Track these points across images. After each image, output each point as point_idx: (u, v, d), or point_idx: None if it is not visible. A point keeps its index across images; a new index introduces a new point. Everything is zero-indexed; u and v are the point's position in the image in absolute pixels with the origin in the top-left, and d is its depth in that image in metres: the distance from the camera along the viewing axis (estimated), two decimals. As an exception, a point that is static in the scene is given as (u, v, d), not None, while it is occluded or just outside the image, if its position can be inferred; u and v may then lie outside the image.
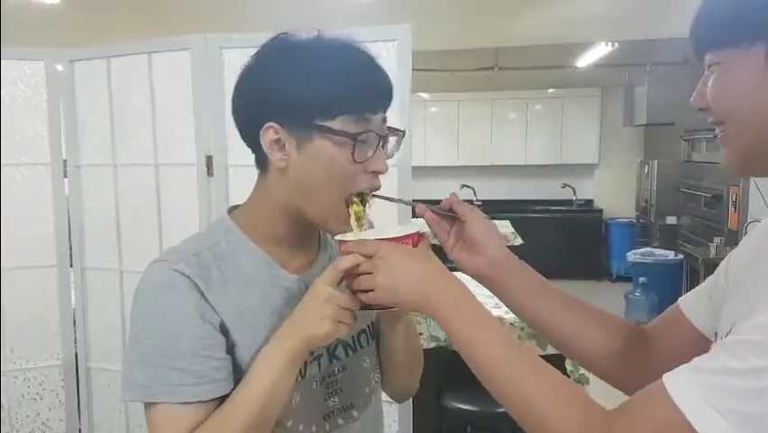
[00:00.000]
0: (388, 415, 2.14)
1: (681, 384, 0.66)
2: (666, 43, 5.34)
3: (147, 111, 2.17)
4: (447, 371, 2.53)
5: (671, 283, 5.46)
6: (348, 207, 0.87)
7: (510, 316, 2.76)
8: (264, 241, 0.92)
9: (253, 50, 0.89)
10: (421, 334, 2.56)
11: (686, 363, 0.68)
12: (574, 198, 8.01)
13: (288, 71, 0.84)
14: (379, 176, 0.89)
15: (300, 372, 0.88)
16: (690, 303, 0.94)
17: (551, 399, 0.73)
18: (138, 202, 2.23)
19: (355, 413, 0.98)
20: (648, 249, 6.10)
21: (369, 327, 1.02)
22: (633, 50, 6.20)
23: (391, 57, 1.90)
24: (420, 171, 5.73)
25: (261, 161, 0.90)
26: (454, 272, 0.86)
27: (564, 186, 7.98)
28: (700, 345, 0.84)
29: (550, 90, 7.80)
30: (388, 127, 0.90)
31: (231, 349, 0.86)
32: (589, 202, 8.07)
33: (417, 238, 0.86)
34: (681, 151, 6.23)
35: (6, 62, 2.26)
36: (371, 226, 1.02)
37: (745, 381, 0.62)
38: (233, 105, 0.90)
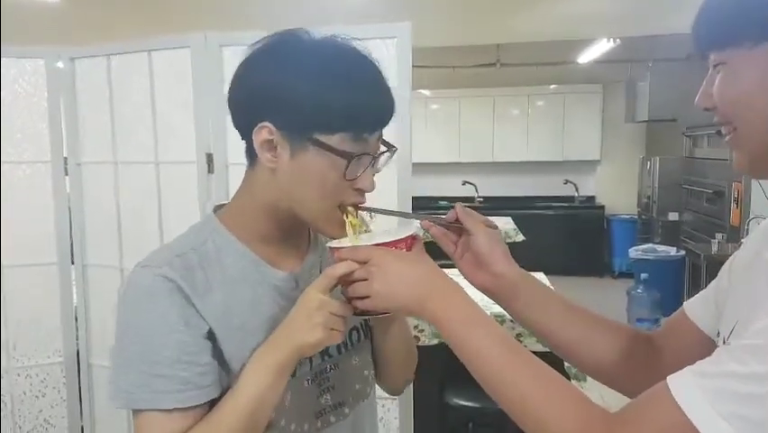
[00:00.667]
0: (390, 411, 2.14)
1: (685, 387, 0.65)
2: (668, 39, 5.33)
3: (147, 108, 2.16)
4: (449, 367, 2.53)
5: (672, 280, 5.46)
6: (342, 212, 0.86)
7: (511, 312, 2.76)
8: (252, 239, 0.91)
9: (254, 49, 0.87)
10: (422, 331, 2.57)
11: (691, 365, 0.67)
12: (576, 194, 8.00)
13: (294, 74, 0.81)
14: (382, 166, 0.89)
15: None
16: (695, 307, 0.93)
17: (550, 400, 0.73)
18: (138, 199, 2.23)
19: (347, 410, 0.98)
20: (650, 245, 6.10)
21: (361, 324, 1.02)
22: (635, 47, 6.19)
23: (391, 54, 1.90)
24: (421, 168, 5.74)
25: (252, 154, 0.87)
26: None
27: (566, 182, 7.97)
28: (707, 347, 0.83)
29: (551, 86, 7.78)
30: (383, 141, 0.88)
31: (219, 353, 0.85)
32: (591, 198, 8.06)
33: (411, 241, 0.85)
34: (683, 147, 6.22)
35: (7, 60, 2.26)
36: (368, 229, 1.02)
37: (746, 385, 0.62)
38: (231, 90, 0.87)
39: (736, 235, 4.75)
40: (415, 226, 0.93)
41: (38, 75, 2.30)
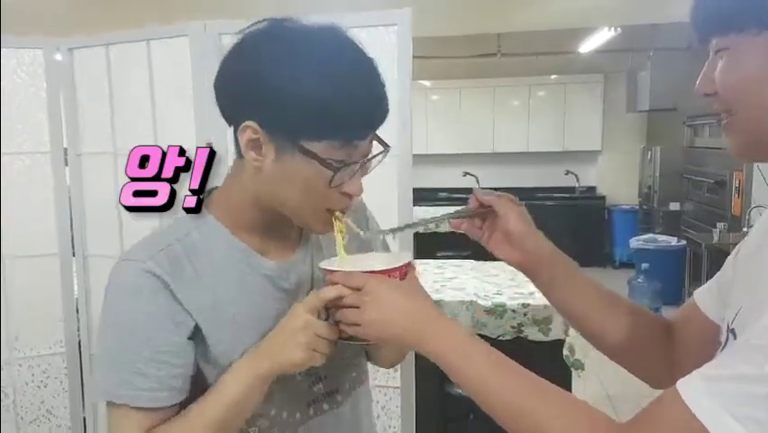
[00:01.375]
0: (392, 400, 2.14)
1: (696, 391, 0.65)
2: (669, 28, 5.31)
3: (146, 98, 2.15)
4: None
5: (674, 269, 5.46)
6: (330, 215, 0.85)
7: (513, 303, 2.76)
8: (240, 229, 0.88)
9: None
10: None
11: (708, 355, 0.67)
12: (577, 184, 7.99)
13: (283, 73, 0.77)
14: (372, 169, 0.87)
15: None
16: (704, 296, 0.93)
17: (555, 417, 0.73)
18: (139, 190, 2.22)
19: (339, 397, 0.97)
20: (651, 235, 6.10)
21: None
22: (636, 36, 6.17)
23: (391, 43, 1.88)
24: (421, 159, 5.73)
25: (239, 145, 0.84)
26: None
27: (567, 173, 7.95)
28: (716, 335, 0.83)
29: (552, 77, 7.75)
30: (377, 139, 0.85)
31: (204, 350, 0.84)
32: (592, 189, 8.05)
33: (405, 269, 0.84)
34: (684, 136, 6.21)
35: (6, 51, 2.25)
36: (368, 223, 1.01)
37: (759, 387, 0.61)
38: (217, 80, 0.85)
39: (737, 225, 4.75)
40: (410, 254, 0.90)
41: (36, 65, 2.29)
